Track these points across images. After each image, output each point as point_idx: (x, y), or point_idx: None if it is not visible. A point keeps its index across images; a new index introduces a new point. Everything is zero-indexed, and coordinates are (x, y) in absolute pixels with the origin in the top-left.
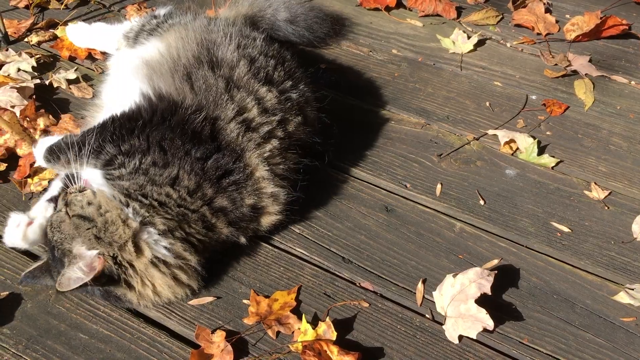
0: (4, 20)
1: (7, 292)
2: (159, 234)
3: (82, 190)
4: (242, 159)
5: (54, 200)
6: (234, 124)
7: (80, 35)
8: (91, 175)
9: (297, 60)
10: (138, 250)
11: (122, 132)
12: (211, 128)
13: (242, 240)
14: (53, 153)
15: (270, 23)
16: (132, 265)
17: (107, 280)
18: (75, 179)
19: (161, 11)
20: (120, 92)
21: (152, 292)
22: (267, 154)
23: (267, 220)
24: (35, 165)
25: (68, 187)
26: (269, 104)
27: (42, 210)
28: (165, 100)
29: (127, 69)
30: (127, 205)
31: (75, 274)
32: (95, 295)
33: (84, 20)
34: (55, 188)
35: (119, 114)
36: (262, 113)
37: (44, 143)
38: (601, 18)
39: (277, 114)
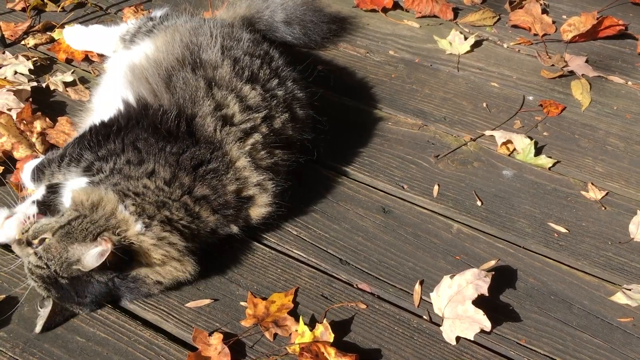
0: (1, 23)
1: (4, 296)
2: (130, 213)
3: (35, 222)
4: (220, 149)
5: (39, 203)
6: (211, 118)
7: (77, 37)
8: (73, 181)
9: (285, 59)
10: (125, 219)
11: (98, 138)
12: (188, 125)
13: (234, 229)
14: (38, 171)
15: (267, 24)
16: (128, 233)
17: (122, 253)
18: (28, 213)
19: (157, 13)
20: (108, 97)
21: (157, 265)
22: (249, 147)
23: (257, 212)
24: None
25: (22, 232)
26: (252, 102)
27: (24, 208)
28: (142, 104)
29: (118, 73)
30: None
31: (94, 252)
32: (116, 287)
33: (80, 23)
34: (40, 192)
35: (97, 123)
36: (244, 110)
37: (29, 166)
38: (598, 18)
39: (262, 111)
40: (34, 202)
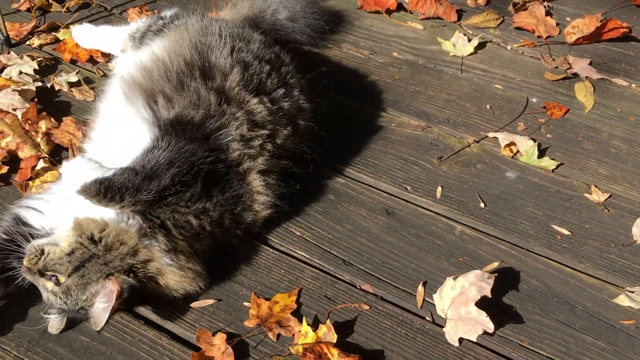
0: (6, 23)
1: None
2: (161, 251)
3: (42, 252)
4: (245, 181)
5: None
6: (237, 144)
7: (86, 36)
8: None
9: (295, 64)
10: (148, 252)
11: (183, 179)
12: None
13: (236, 242)
14: (113, 191)
15: (271, 23)
16: (148, 266)
17: (130, 293)
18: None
19: (167, 12)
20: (120, 102)
21: (172, 287)
22: (260, 167)
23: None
24: (38, 170)
25: (31, 263)
26: (259, 117)
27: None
28: (200, 131)
29: (128, 77)
30: (127, 220)
31: (99, 307)
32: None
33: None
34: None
35: (166, 154)
36: (251, 128)
37: (89, 170)
38: (601, 21)
39: (267, 127)
40: None
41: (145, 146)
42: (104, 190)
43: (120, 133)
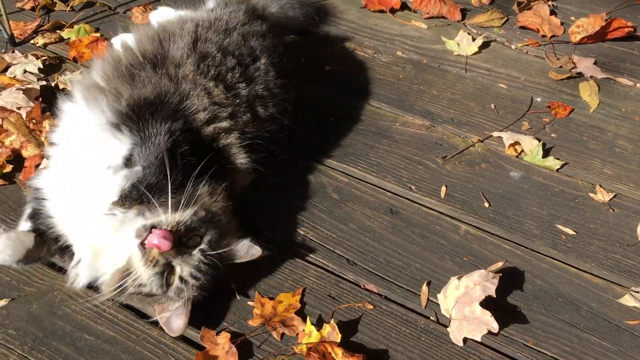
0: (10, 22)
1: (13, 293)
2: None
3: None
4: (221, 151)
5: None
6: (203, 114)
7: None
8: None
9: (274, 57)
10: None
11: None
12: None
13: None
14: (137, 190)
15: (265, 16)
16: None
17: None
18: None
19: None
20: (81, 104)
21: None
22: (233, 140)
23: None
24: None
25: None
26: (217, 99)
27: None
28: (167, 108)
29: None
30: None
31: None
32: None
33: (89, 23)
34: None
35: (165, 139)
36: (212, 104)
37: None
38: (606, 20)
39: (227, 108)
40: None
41: (135, 139)
42: (130, 191)
43: (85, 135)
